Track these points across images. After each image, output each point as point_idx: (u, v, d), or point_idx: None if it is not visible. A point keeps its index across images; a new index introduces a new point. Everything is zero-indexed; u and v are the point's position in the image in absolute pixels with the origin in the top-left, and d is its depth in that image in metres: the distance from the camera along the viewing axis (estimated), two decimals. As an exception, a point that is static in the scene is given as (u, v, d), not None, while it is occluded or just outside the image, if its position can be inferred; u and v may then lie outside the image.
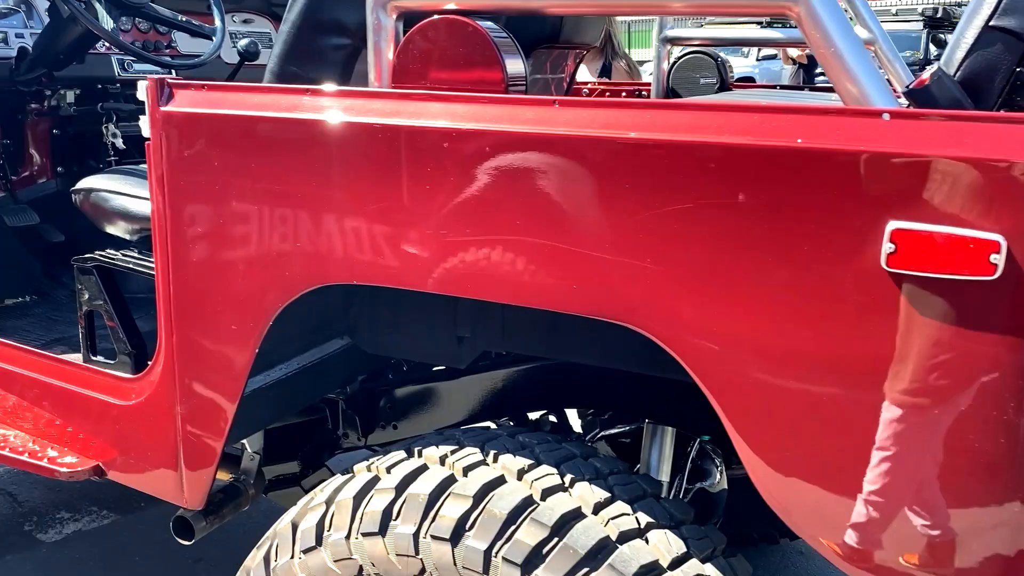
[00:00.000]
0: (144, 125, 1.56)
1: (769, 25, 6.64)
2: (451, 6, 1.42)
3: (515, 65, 1.41)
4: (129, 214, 1.89)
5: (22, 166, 2.71)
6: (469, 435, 1.46)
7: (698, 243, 1.12)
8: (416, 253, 1.32)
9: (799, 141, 1.05)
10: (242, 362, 1.53)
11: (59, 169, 2.78)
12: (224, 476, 1.88)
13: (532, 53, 1.83)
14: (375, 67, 1.47)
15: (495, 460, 1.35)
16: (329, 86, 1.52)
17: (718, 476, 1.97)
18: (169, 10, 2.29)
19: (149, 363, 1.70)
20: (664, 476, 1.75)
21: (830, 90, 1.89)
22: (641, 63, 5.83)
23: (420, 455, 1.40)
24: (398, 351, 1.85)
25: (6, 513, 3.04)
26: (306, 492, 1.83)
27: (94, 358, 2.01)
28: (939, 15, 13.34)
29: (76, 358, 2.06)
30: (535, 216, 1.22)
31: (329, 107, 1.38)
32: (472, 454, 1.37)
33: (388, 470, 1.39)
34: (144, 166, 2.16)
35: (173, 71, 2.74)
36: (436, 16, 1.40)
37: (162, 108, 1.51)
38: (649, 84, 2.51)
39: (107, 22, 2.04)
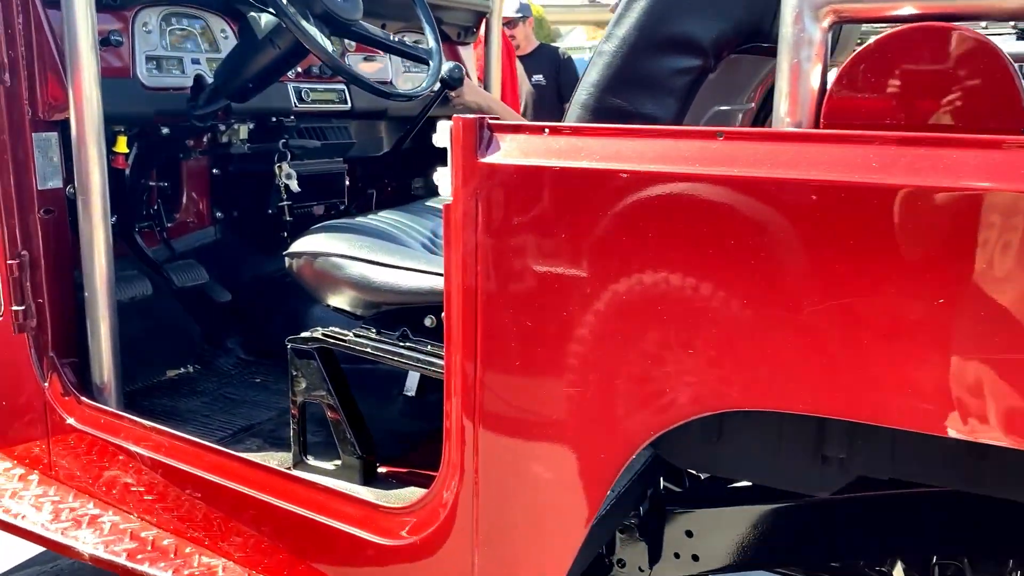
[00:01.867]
0: (444, 180, 1.15)
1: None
2: (908, 10, 0.99)
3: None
4: (371, 286, 1.48)
5: (178, 211, 2.34)
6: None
7: None
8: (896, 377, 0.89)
9: None
10: (588, 502, 1.10)
11: (218, 215, 2.40)
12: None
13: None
14: (788, 98, 1.04)
15: None
16: (751, 129, 1.10)
17: None
18: (380, 29, 1.90)
19: (426, 490, 1.28)
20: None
21: None
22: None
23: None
24: (726, 468, 1.41)
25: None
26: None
27: (308, 461, 1.61)
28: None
29: (284, 458, 1.66)
30: None
31: (761, 159, 0.95)
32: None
33: None
34: (368, 220, 1.78)
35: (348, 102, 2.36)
36: (912, 26, 0.97)
37: (483, 159, 1.09)
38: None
39: (324, 44, 1.66)
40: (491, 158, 1.09)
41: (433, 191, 3.18)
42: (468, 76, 2.53)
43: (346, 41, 2.29)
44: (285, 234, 2.35)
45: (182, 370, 2.19)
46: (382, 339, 1.50)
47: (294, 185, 2.23)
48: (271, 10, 1.66)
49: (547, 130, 1.08)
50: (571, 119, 1.24)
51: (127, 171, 2.02)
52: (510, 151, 1.09)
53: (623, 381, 1.05)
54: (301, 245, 1.59)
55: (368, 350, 1.50)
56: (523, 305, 1.11)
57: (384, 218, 1.79)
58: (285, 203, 2.27)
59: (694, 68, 1.23)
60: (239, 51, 1.87)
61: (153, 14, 1.90)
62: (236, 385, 2.12)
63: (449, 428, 1.24)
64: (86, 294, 1.73)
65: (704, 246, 0.97)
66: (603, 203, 1.02)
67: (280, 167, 2.22)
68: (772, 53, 1.44)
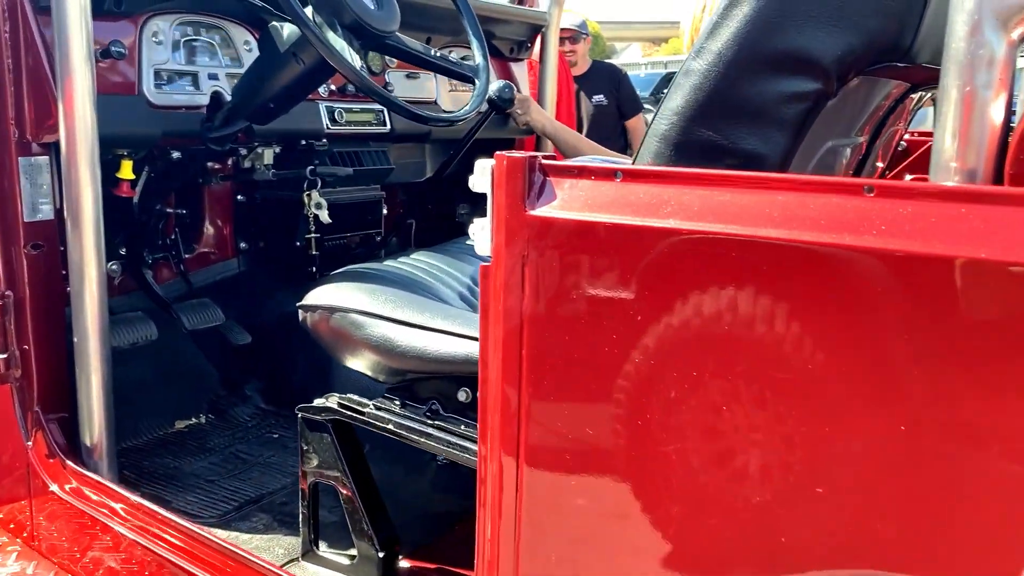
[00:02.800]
0: (482, 235, 0.89)
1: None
2: None
3: None
4: (395, 350, 1.22)
5: (198, 241, 2.12)
6: None
7: None
8: None
9: None
10: None
11: (242, 245, 2.17)
12: None
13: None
14: (956, 137, 0.75)
15: None
16: (915, 183, 0.82)
17: None
18: (420, 43, 1.65)
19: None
20: None
21: None
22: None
23: None
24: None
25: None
26: None
27: (319, 551, 1.35)
28: None
29: (292, 544, 1.41)
30: None
31: (935, 227, 0.67)
32: None
33: None
34: (397, 266, 1.52)
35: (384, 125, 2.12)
36: None
37: (533, 211, 0.83)
38: None
39: (352, 59, 1.41)
40: (544, 210, 0.83)
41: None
42: (519, 93, 2.27)
43: (387, 56, 2.05)
44: (313, 268, 2.11)
45: (193, 420, 1.96)
46: (407, 414, 1.24)
47: (324, 216, 1.99)
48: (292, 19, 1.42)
49: (620, 175, 0.81)
50: (647, 154, 0.97)
51: (134, 199, 1.80)
52: (570, 201, 0.82)
53: (727, 523, 0.77)
54: (316, 297, 1.34)
55: (390, 427, 1.24)
56: (581, 408, 0.84)
57: (416, 262, 1.53)
58: (314, 235, 2.04)
59: (811, 93, 0.95)
60: (259, 66, 1.64)
61: (165, 23, 1.68)
62: (250, 441, 1.88)
63: (481, 544, 0.97)
64: (75, 339, 1.50)
65: (853, 347, 0.69)
66: (699, 279, 0.75)
67: (309, 196, 1.99)
68: (904, 75, 1.15)
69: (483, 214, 0.89)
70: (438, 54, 1.67)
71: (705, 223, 0.75)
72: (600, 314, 0.81)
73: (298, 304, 1.37)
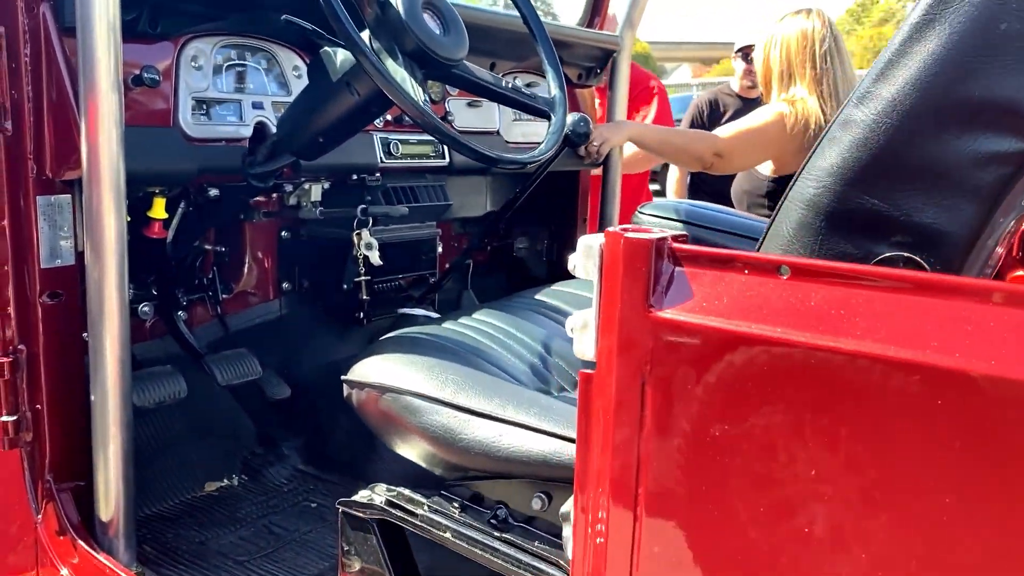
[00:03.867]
0: (585, 333, 0.68)
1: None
2: None
3: None
4: (456, 443, 1.01)
5: (237, 281, 1.95)
6: None
7: None
8: None
9: None
10: None
11: (285, 286, 1.99)
12: None
13: None
14: None
15: None
16: None
17: None
18: (487, 71, 1.46)
19: None
20: None
21: None
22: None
23: None
24: None
25: None
26: None
27: (358, 669, 1.15)
28: None
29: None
30: None
31: None
32: None
33: None
34: (456, 328, 1.31)
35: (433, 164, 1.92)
36: None
37: (660, 312, 0.62)
38: None
39: (414, 91, 1.22)
40: (676, 311, 0.62)
41: (541, 262, 2.75)
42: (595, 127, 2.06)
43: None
44: (361, 314, 1.92)
45: (224, 482, 1.77)
46: (468, 520, 1.03)
47: (375, 258, 1.80)
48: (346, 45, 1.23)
49: (786, 270, 0.60)
50: (789, 224, 0.75)
51: (168, 239, 1.62)
52: (713, 300, 0.61)
53: None
54: (365, 372, 1.14)
55: (447, 535, 1.03)
56: (713, 557, 0.62)
57: (478, 324, 1.33)
58: (363, 278, 1.85)
59: (1016, 155, 0.73)
60: (307, 96, 1.45)
61: (206, 46, 1.51)
62: (286, 511, 1.68)
63: None
64: (92, 398, 1.32)
65: None
66: (904, 420, 0.53)
67: (359, 235, 1.80)
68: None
69: (579, 315, 0.68)
70: (509, 84, 1.47)
71: (915, 350, 0.53)
72: (753, 455, 0.59)
73: (343, 378, 1.17)
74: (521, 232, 2.62)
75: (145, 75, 1.36)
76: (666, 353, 0.62)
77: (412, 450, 1.09)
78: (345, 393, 1.17)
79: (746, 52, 3.45)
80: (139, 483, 1.66)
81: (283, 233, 1.97)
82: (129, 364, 1.33)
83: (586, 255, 0.67)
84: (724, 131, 2.38)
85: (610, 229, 0.65)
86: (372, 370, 1.12)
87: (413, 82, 1.24)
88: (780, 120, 2.31)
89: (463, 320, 1.33)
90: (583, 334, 0.68)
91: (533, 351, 1.29)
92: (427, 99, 1.23)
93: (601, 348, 0.66)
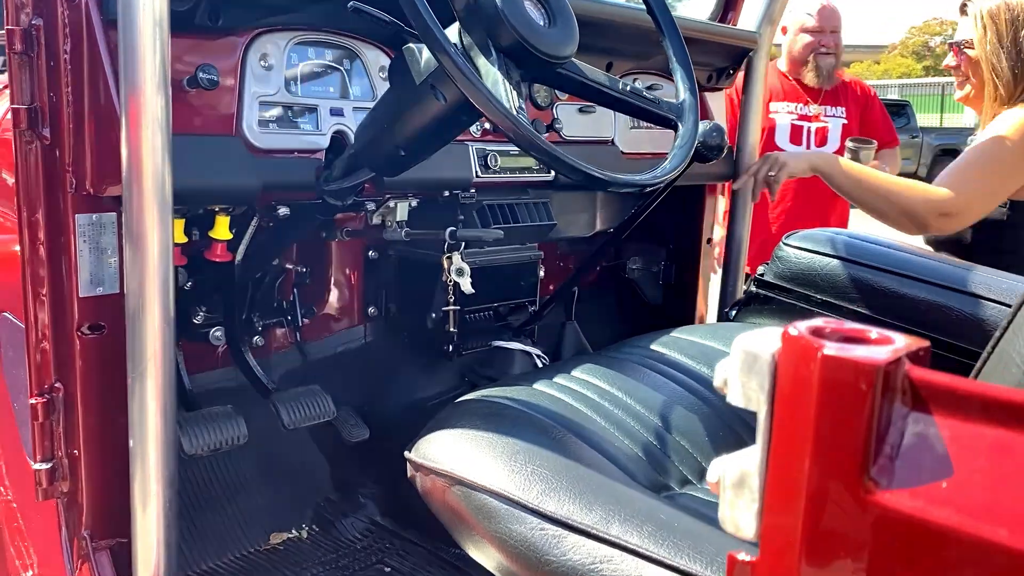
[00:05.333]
0: (742, 496, 0.41)
1: None
2: None
3: None
4: (540, 560, 0.76)
5: (319, 303, 1.76)
6: None
7: None
8: None
9: None
10: None
11: (371, 311, 1.79)
12: None
13: None
14: None
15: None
16: None
17: None
18: (602, 72, 1.20)
19: None
20: None
21: None
22: None
23: None
24: None
25: None
26: None
27: None
28: None
29: None
30: None
31: None
32: None
33: None
34: (547, 391, 1.06)
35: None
36: None
37: (882, 491, 0.35)
38: None
39: (507, 96, 0.99)
40: (915, 498, 0.34)
41: (657, 285, 2.46)
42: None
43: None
44: (450, 347, 1.70)
45: (292, 534, 1.58)
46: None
47: (466, 285, 1.57)
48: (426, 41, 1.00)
49: None
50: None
51: (236, 262, 1.44)
52: (986, 480, 0.34)
53: None
54: (431, 451, 0.90)
55: None
56: None
57: (577, 387, 1.07)
58: (452, 308, 1.62)
59: None
60: (387, 102, 1.23)
61: (280, 41, 1.31)
62: (356, 572, 1.47)
63: None
64: (131, 443, 1.14)
65: None
66: None
67: (450, 259, 1.57)
68: None
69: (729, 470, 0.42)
70: (628, 88, 1.21)
71: None
72: None
73: (406, 455, 0.94)
74: (634, 251, 2.35)
75: (201, 75, 1.17)
76: (893, 565, 0.35)
77: (488, 560, 0.84)
78: (409, 473, 0.94)
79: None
80: (197, 533, 1.49)
81: (370, 253, 1.77)
82: (173, 409, 1.14)
83: (746, 369, 0.41)
84: (955, 180, 1.74)
85: (793, 332, 0.39)
86: (440, 451, 0.88)
87: (507, 84, 1.00)
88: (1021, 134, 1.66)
89: (559, 379, 1.08)
90: (739, 498, 0.42)
91: (646, 423, 1.02)
92: (522, 105, 0.98)
93: (768, 527, 0.40)
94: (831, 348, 0.36)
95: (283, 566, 1.47)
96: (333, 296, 1.77)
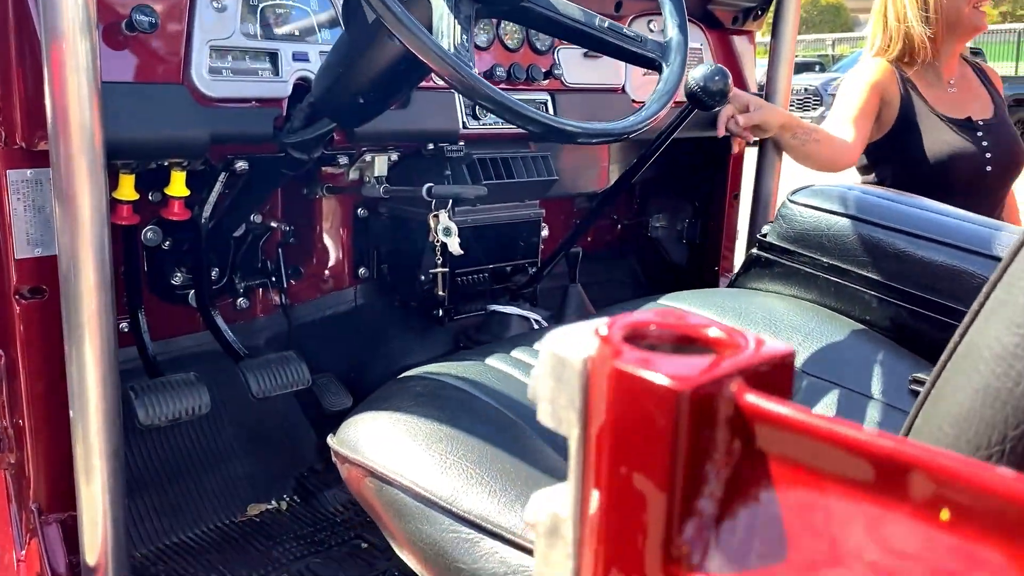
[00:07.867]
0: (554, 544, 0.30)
1: None
2: None
3: None
4: (457, 570, 0.66)
5: (306, 264, 1.67)
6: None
7: None
8: None
9: None
10: None
11: (361, 272, 1.70)
12: None
13: None
14: None
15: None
16: None
17: None
18: (576, 6, 1.06)
19: None
20: None
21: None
22: None
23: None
24: None
25: None
26: None
27: None
28: None
29: None
30: None
31: None
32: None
33: None
34: (509, 371, 0.94)
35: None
36: None
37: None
38: None
39: (450, 30, 0.86)
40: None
41: (681, 244, 2.33)
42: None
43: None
44: (440, 312, 1.60)
45: (271, 505, 1.51)
46: None
47: (454, 245, 1.46)
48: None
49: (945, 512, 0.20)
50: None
51: (203, 220, 1.35)
52: (819, 552, 0.22)
53: None
54: (350, 436, 0.80)
55: None
56: None
57: (534, 358, 0.95)
58: (440, 270, 1.52)
59: None
60: (342, 44, 1.12)
61: (235, -19, 1.20)
62: (330, 549, 1.40)
63: None
64: (71, 414, 1.07)
65: None
66: None
67: (436, 217, 1.47)
68: None
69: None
70: (606, 24, 1.07)
71: None
72: None
73: (328, 440, 0.85)
74: (659, 208, 2.21)
75: (138, 16, 1.07)
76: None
77: (406, 559, 0.75)
78: (333, 458, 0.84)
79: None
80: (169, 504, 1.43)
81: (359, 211, 1.67)
82: (115, 377, 1.06)
83: (556, 379, 0.29)
84: None
85: (602, 331, 0.27)
86: (359, 437, 0.79)
87: (452, 19, 0.88)
88: None
89: (516, 353, 0.96)
90: (550, 550, 0.31)
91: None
92: (465, 43, 0.86)
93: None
94: (628, 358, 0.25)
95: (255, 539, 1.41)
96: (321, 256, 1.68)
